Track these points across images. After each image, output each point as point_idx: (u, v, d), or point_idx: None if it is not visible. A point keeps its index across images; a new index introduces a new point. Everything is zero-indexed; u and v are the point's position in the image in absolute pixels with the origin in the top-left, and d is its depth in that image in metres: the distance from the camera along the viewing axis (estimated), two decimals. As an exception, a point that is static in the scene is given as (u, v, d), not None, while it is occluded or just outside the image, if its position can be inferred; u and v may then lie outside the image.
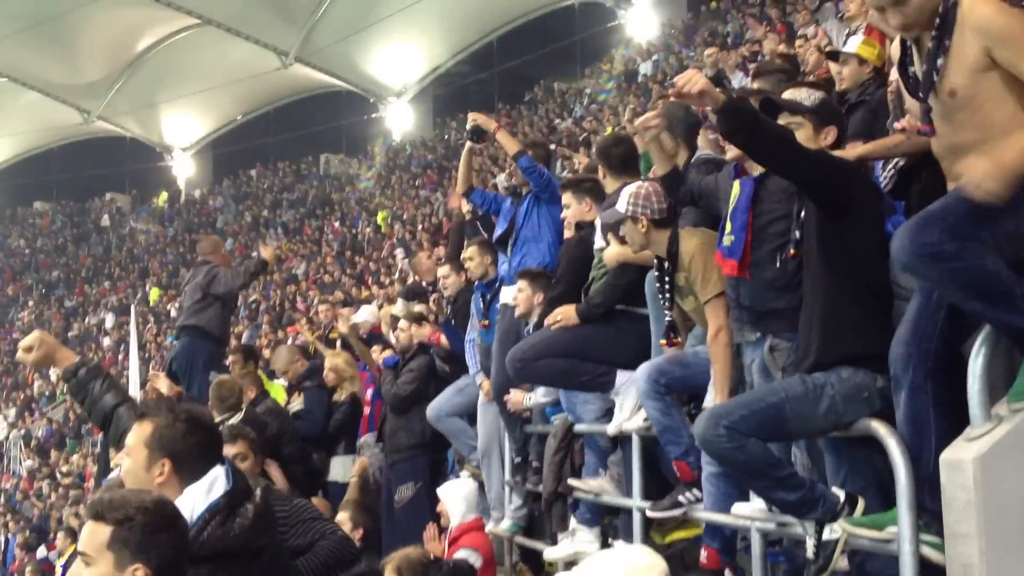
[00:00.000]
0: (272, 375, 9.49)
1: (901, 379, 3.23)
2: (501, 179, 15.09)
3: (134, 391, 13.77)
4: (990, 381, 3.04)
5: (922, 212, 3.02)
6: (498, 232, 7.04)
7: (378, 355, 8.46)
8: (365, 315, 9.96)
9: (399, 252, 21.86)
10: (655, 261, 4.67)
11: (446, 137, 29.67)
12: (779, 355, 3.89)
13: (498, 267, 6.83)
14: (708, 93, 3.46)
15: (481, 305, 6.80)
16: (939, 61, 3.02)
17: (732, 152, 3.97)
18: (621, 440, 5.17)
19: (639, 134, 4.70)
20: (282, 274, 25.36)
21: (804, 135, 3.80)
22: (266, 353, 13.40)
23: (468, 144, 7.28)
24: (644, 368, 4.62)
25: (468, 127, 7.09)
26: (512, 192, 7.36)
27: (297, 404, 8.14)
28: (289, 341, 13.84)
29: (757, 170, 3.98)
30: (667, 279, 4.58)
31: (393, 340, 8.03)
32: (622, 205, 4.66)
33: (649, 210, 4.60)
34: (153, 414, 3.08)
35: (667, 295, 4.59)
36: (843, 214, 3.62)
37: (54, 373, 24.18)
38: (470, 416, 6.86)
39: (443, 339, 7.34)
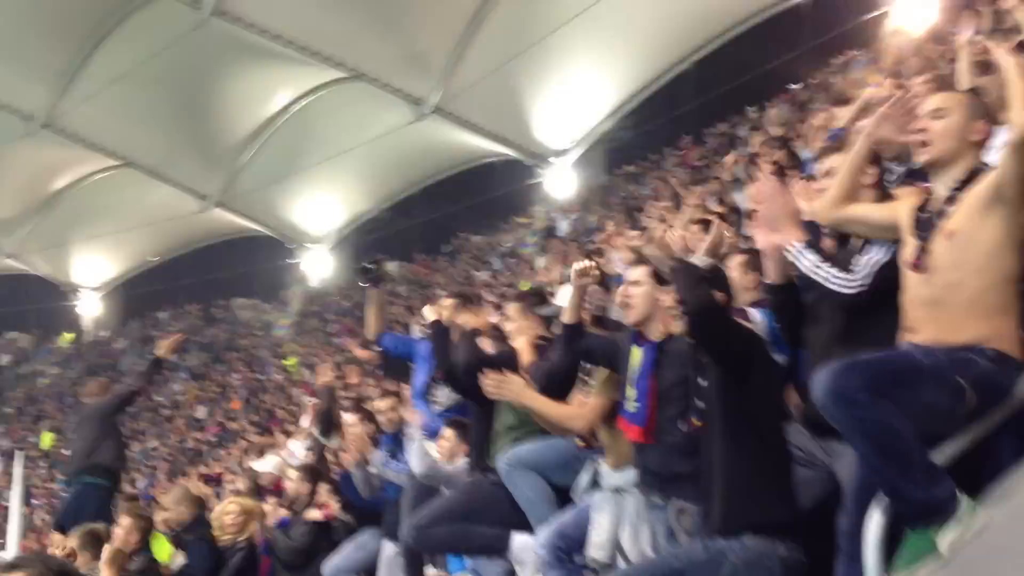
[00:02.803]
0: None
1: (844, 548, 3.28)
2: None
3: (12, 541, 12.96)
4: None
5: (855, 357, 3.07)
6: (420, 380, 6.80)
7: (272, 510, 8.03)
8: (270, 466, 9.56)
9: (307, 400, 21.37)
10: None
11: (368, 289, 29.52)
12: (685, 519, 3.90)
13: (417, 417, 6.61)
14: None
15: (392, 470, 6.51)
16: None
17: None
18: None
19: (575, 280, 4.66)
20: (186, 420, 24.57)
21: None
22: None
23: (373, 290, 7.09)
24: (543, 536, 4.52)
25: (360, 268, 6.87)
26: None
27: (180, 559, 7.60)
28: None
29: (657, 335, 4.09)
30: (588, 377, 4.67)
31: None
32: (564, 299, 4.76)
33: (592, 306, 4.79)
34: (25, 565, 3.02)
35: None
36: (746, 378, 3.64)
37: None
38: (368, 573, 6.50)
39: (335, 508, 7.02)
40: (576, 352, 4.53)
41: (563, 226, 23.37)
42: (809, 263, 3.70)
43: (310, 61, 23.61)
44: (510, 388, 4.65)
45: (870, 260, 3.63)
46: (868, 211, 3.68)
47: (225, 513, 7.51)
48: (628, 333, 4.34)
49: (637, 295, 4.23)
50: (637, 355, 4.15)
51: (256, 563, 7.56)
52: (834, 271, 3.65)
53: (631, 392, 4.11)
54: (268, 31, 22.50)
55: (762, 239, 3.92)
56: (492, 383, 4.66)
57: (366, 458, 6.64)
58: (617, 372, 4.34)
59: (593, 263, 4.61)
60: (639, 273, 4.28)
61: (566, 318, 4.53)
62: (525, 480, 5.00)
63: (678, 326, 3.90)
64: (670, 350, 4.05)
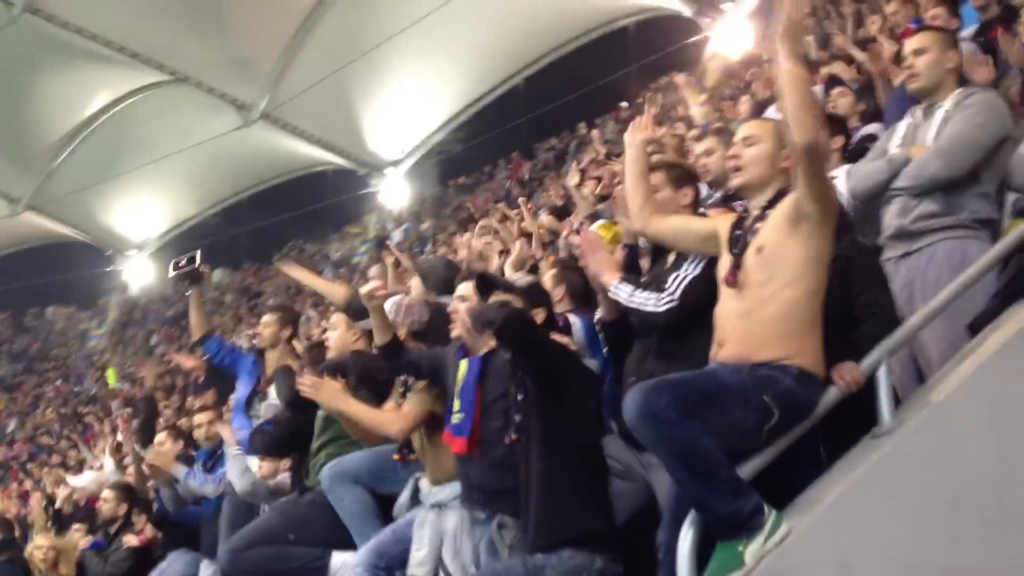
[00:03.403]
0: None
1: (663, 563, 3.33)
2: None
3: None
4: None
5: (664, 377, 3.16)
6: (242, 394, 6.59)
7: (83, 537, 7.67)
8: (86, 481, 9.13)
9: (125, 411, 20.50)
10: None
11: (188, 293, 28.56)
12: (507, 533, 3.89)
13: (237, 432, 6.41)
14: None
15: (198, 483, 6.31)
16: None
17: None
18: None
19: (367, 303, 4.58)
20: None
21: None
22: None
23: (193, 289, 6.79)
24: (361, 554, 4.45)
25: (173, 264, 6.51)
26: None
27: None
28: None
29: (483, 349, 4.10)
30: (408, 391, 4.62)
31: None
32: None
33: (410, 320, 4.77)
34: None
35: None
36: (562, 393, 3.69)
37: None
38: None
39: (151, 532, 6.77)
40: (402, 367, 4.49)
41: (396, 236, 23.28)
42: (625, 296, 3.76)
43: (130, 62, 22.76)
44: (325, 391, 4.57)
45: (678, 277, 3.70)
46: (689, 223, 3.78)
47: (37, 548, 7.19)
48: (455, 347, 4.35)
49: (463, 311, 4.23)
50: (463, 368, 4.17)
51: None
52: (645, 294, 3.71)
53: (456, 404, 4.11)
54: (85, 30, 21.56)
55: (594, 283, 4.02)
56: (308, 384, 4.57)
57: (172, 477, 6.44)
58: (444, 386, 4.34)
59: (380, 284, 4.57)
60: (465, 288, 4.29)
61: (378, 340, 4.50)
62: (349, 493, 4.90)
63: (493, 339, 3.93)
64: (495, 364, 4.06)
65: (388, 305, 4.80)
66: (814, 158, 3.18)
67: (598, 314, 4.14)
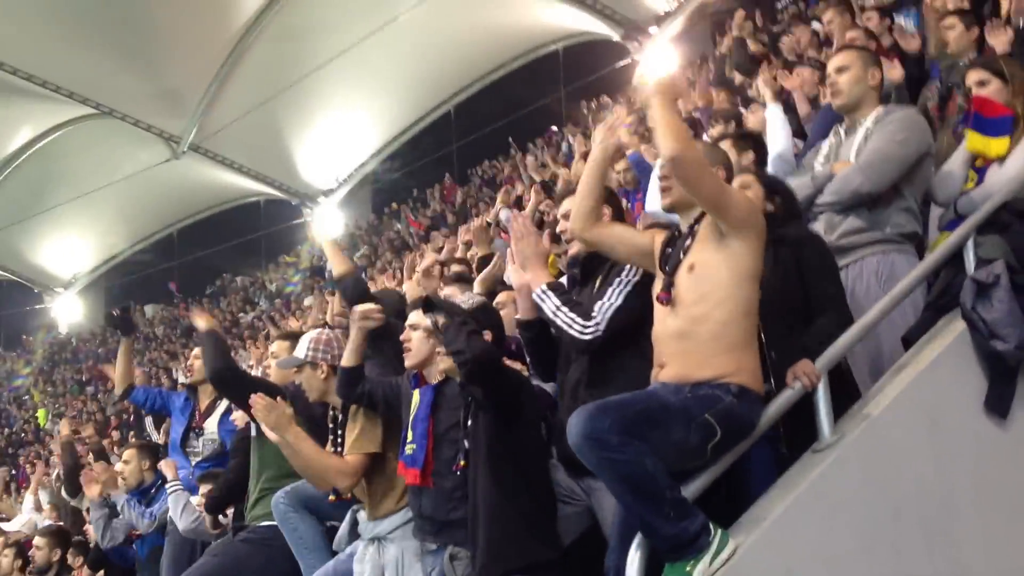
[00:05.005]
0: None
1: None
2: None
3: None
4: None
5: (606, 399, 3.13)
6: (176, 433, 6.50)
7: None
8: (19, 525, 8.89)
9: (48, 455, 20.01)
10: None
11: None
12: (459, 564, 3.85)
13: (158, 473, 6.29)
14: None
15: (135, 513, 6.18)
16: None
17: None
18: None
19: (357, 322, 4.48)
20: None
21: None
22: None
23: (123, 339, 6.78)
24: None
25: (107, 315, 6.60)
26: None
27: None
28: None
29: (435, 378, 4.08)
30: (340, 428, 4.57)
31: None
32: (301, 351, 4.65)
33: (330, 355, 4.62)
34: None
35: (339, 441, 4.56)
36: (511, 420, 3.68)
37: None
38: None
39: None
40: (358, 395, 4.37)
41: (330, 265, 23.08)
42: (550, 307, 3.69)
43: (54, 96, 22.35)
44: (277, 416, 4.32)
45: (603, 306, 3.66)
46: (628, 233, 3.73)
47: None
48: (409, 377, 4.29)
49: (415, 339, 4.19)
50: (416, 399, 4.14)
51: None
52: (572, 316, 3.64)
53: (410, 435, 4.07)
54: (5, 64, 21.16)
55: (514, 277, 3.96)
56: (262, 406, 4.33)
57: (107, 497, 6.30)
58: (397, 417, 4.27)
59: (376, 308, 4.47)
60: (417, 317, 4.22)
61: (346, 362, 4.39)
62: (303, 522, 4.80)
63: (446, 362, 3.87)
64: (448, 393, 4.03)
65: (306, 339, 4.73)
66: (682, 168, 3.22)
67: (516, 316, 4.07)
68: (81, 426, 10.65)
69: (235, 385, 5.04)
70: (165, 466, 6.08)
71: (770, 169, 4.92)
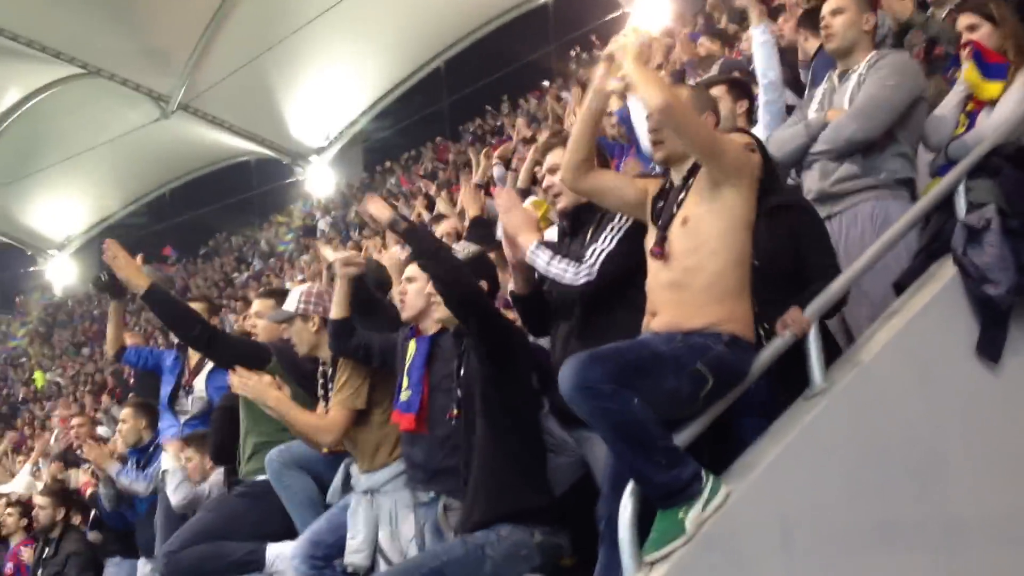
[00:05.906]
0: None
1: (603, 535, 3.30)
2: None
3: None
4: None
5: (598, 348, 3.13)
6: (165, 391, 6.49)
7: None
8: (20, 486, 8.94)
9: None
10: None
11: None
12: (453, 515, 3.90)
13: (156, 431, 6.30)
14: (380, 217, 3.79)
15: (134, 475, 6.20)
16: None
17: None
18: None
19: (340, 270, 4.50)
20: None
21: None
22: None
23: (113, 302, 6.73)
24: (297, 546, 4.44)
25: (96, 279, 6.51)
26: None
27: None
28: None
29: (431, 330, 4.12)
30: (329, 382, 4.57)
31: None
32: (292, 303, 4.64)
33: (321, 308, 4.60)
34: None
35: (327, 396, 4.58)
36: (503, 367, 3.68)
37: None
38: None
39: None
40: (352, 348, 4.39)
41: (323, 224, 23.04)
42: (543, 261, 3.69)
43: (41, 56, 22.13)
44: (254, 387, 4.45)
45: (595, 251, 3.65)
46: (619, 182, 3.68)
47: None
48: (405, 330, 4.32)
49: (411, 292, 4.20)
50: (412, 348, 4.17)
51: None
52: (564, 264, 3.64)
53: (405, 382, 4.10)
54: (-9, 24, 20.94)
55: (508, 254, 3.94)
56: (239, 380, 4.45)
57: (109, 474, 6.34)
58: (392, 371, 4.29)
59: (356, 253, 4.49)
60: (413, 270, 4.23)
61: (334, 314, 4.39)
62: (297, 480, 4.82)
63: (441, 311, 3.88)
64: (443, 344, 4.07)
65: (296, 292, 4.73)
66: (670, 116, 3.20)
67: (510, 287, 4.08)
68: (70, 411, 10.61)
69: (217, 347, 5.07)
70: (167, 445, 6.05)
71: (761, 97, 4.88)
